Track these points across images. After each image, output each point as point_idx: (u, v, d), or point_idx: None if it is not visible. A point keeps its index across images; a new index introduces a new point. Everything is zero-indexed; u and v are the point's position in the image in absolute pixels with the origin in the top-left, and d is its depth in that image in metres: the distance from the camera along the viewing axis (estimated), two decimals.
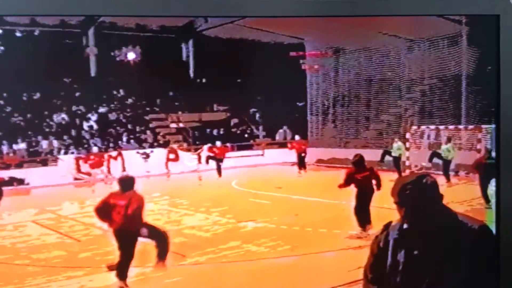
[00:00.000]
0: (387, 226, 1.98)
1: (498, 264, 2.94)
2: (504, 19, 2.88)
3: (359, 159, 3.58)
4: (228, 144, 3.90)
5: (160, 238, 2.99)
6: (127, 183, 3.01)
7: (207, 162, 3.99)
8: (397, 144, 3.87)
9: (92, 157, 3.48)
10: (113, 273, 2.95)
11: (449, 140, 3.87)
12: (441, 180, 3.87)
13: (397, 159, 3.94)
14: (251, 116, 3.88)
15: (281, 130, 3.76)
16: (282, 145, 3.90)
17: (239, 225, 3.52)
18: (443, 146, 3.95)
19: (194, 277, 3.06)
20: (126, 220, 2.96)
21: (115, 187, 3.14)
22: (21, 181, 3.37)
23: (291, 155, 3.91)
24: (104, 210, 2.96)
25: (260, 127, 3.96)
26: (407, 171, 4.16)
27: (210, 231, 3.51)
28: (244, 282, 3.05)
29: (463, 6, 2.93)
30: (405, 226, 1.93)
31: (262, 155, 4.09)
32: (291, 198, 3.90)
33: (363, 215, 3.45)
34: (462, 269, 1.95)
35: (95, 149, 3.45)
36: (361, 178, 3.53)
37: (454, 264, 1.92)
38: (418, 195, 1.93)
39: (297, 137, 3.81)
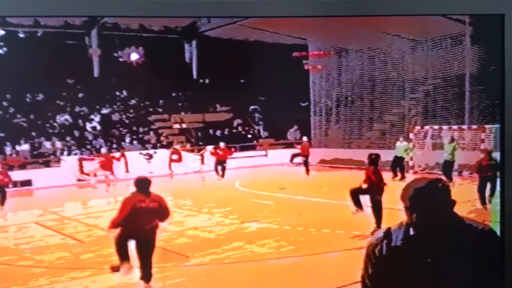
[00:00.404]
0: (387, 233, 1.91)
1: (502, 264, 2.93)
2: (509, 18, 2.86)
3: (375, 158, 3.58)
4: (232, 147, 3.89)
5: (148, 258, 2.88)
6: (148, 184, 2.91)
7: (216, 170, 3.98)
8: (403, 144, 3.84)
9: (97, 158, 3.47)
10: (117, 274, 2.94)
11: (452, 140, 3.86)
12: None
13: (401, 160, 3.92)
14: (254, 117, 3.88)
15: (292, 130, 3.75)
16: (287, 145, 3.89)
17: (243, 226, 3.51)
18: (447, 146, 3.94)
19: (198, 278, 3.05)
20: (158, 221, 2.85)
21: (117, 190, 3.13)
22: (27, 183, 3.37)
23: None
24: (131, 221, 2.81)
25: (261, 128, 3.96)
26: (410, 172, 4.14)
27: (214, 231, 3.51)
28: (248, 283, 3.05)
29: (468, 5, 2.92)
30: (411, 232, 1.87)
31: (266, 155, 4.08)
32: (295, 199, 3.89)
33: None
34: (469, 274, 1.93)
35: (103, 150, 3.44)
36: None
37: (461, 270, 1.90)
38: (432, 201, 1.87)
39: (304, 139, 3.81)
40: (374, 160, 3.50)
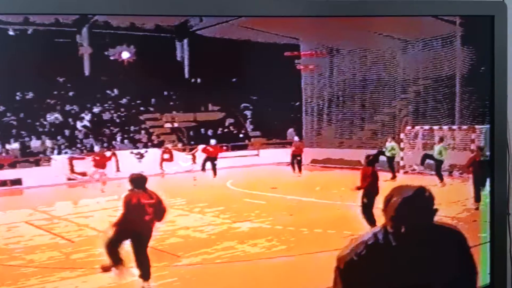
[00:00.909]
0: (366, 245, 1.88)
1: (492, 263, 2.96)
2: (498, 20, 2.90)
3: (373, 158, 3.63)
4: (223, 145, 3.88)
5: (144, 258, 2.93)
6: (144, 180, 3.01)
7: (203, 168, 3.97)
8: (391, 144, 3.87)
9: (89, 157, 3.45)
10: (108, 274, 2.93)
11: (441, 140, 3.89)
12: (435, 180, 3.91)
13: (390, 160, 3.95)
14: (245, 116, 3.87)
15: (290, 129, 3.74)
16: (281, 144, 3.88)
17: (234, 226, 3.51)
18: (436, 147, 3.97)
19: (189, 278, 3.05)
20: (149, 219, 2.93)
21: (114, 188, 3.13)
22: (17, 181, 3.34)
23: (286, 155, 3.91)
24: (131, 218, 2.90)
25: (252, 127, 3.95)
26: (401, 171, 4.17)
27: (205, 231, 3.50)
28: (239, 283, 3.05)
29: (458, 6, 2.95)
30: (394, 243, 1.85)
31: (257, 155, 4.08)
32: (286, 199, 3.90)
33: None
34: (448, 278, 1.94)
35: (96, 148, 3.42)
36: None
37: (443, 275, 1.90)
38: (420, 211, 1.86)
39: (296, 139, 3.81)
40: (371, 161, 3.54)
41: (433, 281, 1.94)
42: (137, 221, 2.91)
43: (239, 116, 3.88)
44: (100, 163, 3.47)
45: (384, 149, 3.82)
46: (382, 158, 3.81)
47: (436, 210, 1.90)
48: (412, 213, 1.87)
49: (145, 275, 2.89)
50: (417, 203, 1.87)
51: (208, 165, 4.02)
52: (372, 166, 3.59)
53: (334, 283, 1.92)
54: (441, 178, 3.84)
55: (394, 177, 3.96)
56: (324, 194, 3.77)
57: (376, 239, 1.87)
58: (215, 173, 4.01)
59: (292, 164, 3.96)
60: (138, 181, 2.98)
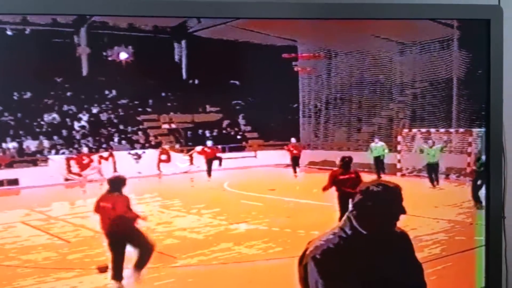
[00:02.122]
0: (335, 243, 1.93)
1: (487, 266, 2.97)
2: (494, 23, 2.91)
3: (348, 161, 3.62)
4: (221, 147, 3.89)
5: (145, 250, 2.95)
6: (115, 184, 3.01)
7: (209, 173, 3.98)
8: (380, 143, 3.84)
9: (83, 158, 3.46)
10: (104, 274, 2.93)
11: (433, 144, 3.91)
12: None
13: (378, 160, 3.93)
14: (242, 117, 3.88)
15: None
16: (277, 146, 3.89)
17: (231, 227, 3.52)
18: (429, 150, 3.98)
19: (185, 279, 3.05)
20: (113, 223, 2.96)
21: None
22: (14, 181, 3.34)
23: (284, 157, 3.91)
24: (98, 212, 2.99)
25: (249, 128, 3.96)
26: (398, 174, 4.18)
27: (202, 232, 3.51)
28: (236, 284, 3.05)
29: (454, 10, 2.97)
30: (356, 236, 1.90)
31: (255, 156, 4.08)
32: (284, 200, 3.91)
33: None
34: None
35: (85, 150, 3.42)
36: (345, 180, 3.57)
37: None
38: (381, 207, 1.92)
39: (292, 140, 3.81)
40: (344, 164, 3.54)
41: (392, 276, 2.00)
42: (106, 221, 2.94)
43: (237, 117, 3.89)
44: (84, 165, 3.48)
45: (372, 151, 3.81)
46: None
47: (399, 206, 1.96)
48: (370, 207, 1.93)
49: (117, 276, 2.89)
50: (374, 199, 1.93)
51: (206, 166, 4.02)
52: (345, 169, 3.58)
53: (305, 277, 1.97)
54: (432, 182, 3.89)
55: (379, 178, 3.95)
56: (322, 196, 3.77)
57: (341, 237, 1.94)
58: (210, 174, 4.01)
59: (293, 166, 3.96)
60: (113, 183, 2.99)
